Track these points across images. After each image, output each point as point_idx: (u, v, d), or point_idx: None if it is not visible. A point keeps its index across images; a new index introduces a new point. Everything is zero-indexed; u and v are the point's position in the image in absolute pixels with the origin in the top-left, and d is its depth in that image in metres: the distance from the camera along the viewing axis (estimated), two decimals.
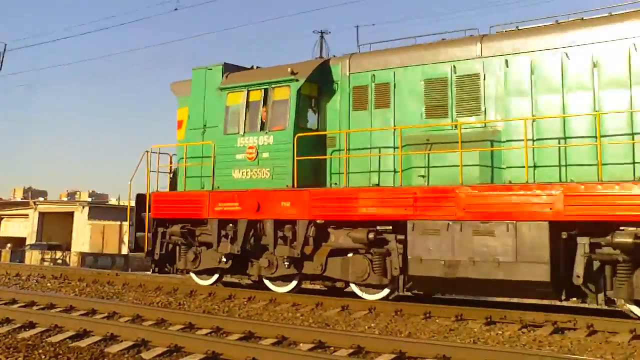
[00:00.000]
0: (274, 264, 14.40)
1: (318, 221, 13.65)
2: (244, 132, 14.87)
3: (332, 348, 9.34)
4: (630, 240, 10.44)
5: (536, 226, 11.23)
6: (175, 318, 11.32)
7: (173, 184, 16.94)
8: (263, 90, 14.74)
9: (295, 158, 13.95)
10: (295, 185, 13.97)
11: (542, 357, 8.31)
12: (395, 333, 10.74)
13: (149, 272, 19.04)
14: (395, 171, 13.50)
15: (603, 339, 10.17)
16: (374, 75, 13.93)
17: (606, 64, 11.78)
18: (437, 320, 11.90)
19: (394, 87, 13.68)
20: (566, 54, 12.10)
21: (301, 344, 9.44)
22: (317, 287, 16.07)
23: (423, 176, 13.07)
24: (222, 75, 15.93)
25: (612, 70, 11.71)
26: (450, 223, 11.95)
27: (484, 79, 12.75)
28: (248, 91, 14.94)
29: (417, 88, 13.44)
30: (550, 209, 11.08)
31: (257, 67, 16.33)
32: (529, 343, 10.01)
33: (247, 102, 14.95)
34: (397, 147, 13.31)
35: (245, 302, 14.01)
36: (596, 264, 11.15)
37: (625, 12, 11.88)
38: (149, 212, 16.26)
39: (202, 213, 15.16)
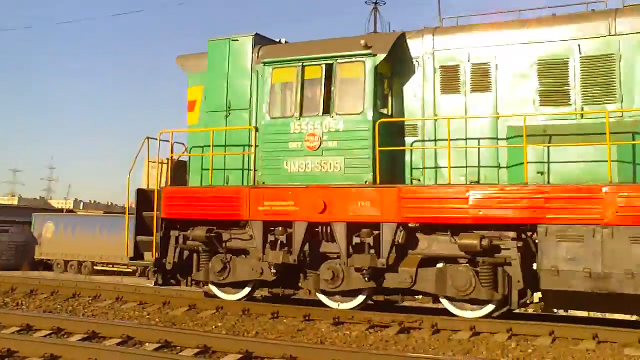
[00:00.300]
0: (339, 276, 12.04)
1: (410, 224, 11.46)
2: (300, 115, 12.35)
3: (178, 347, 9.37)
4: None
5: None
6: (10, 320, 10.76)
7: (178, 178, 14.06)
8: (324, 66, 12.26)
9: (377, 148, 11.66)
10: (378, 181, 11.70)
11: (387, 356, 8.65)
12: (243, 333, 10.89)
13: None
14: (499, 166, 11.55)
15: (446, 337, 10.54)
16: (468, 53, 11.86)
17: None
18: (284, 321, 11.81)
19: (496, 68, 11.71)
20: None
21: (147, 344, 9.45)
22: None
23: (542, 173, 11.15)
24: (253, 48, 13.34)
25: None
26: (598, 228, 10.16)
27: (620, 61, 11.03)
28: (303, 67, 12.37)
29: (527, 70, 11.52)
30: None
31: (286, 42, 13.88)
32: (376, 343, 10.27)
33: (302, 79, 12.42)
34: (501, 139, 11.42)
35: (90, 301, 13.68)
36: None
37: None
38: (157, 211, 13.34)
39: (240, 213, 12.48)
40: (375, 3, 14.66)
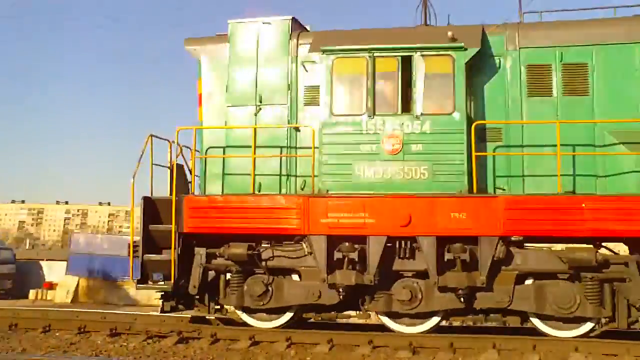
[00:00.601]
0: (417, 297, 10.51)
1: (513, 238, 10.21)
2: (373, 113, 10.68)
3: None
4: None
5: None
6: None
7: (180, 184, 11.73)
8: (400, 58, 10.71)
9: (474, 153, 10.32)
10: (475, 190, 10.34)
11: None
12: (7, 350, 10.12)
13: None
14: (597, 176, 10.63)
15: (225, 346, 10.42)
16: (561, 52, 10.86)
17: None
18: (57, 334, 11.26)
19: (594, 70, 10.81)
20: None
21: None
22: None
23: None
24: (291, 34, 11.53)
25: None
26: None
27: None
28: (374, 58, 10.75)
29: (634, 72, 10.73)
30: None
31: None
32: (154, 354, 10.01)
33: (373, 72, 10.76)
34: (599, 146, 10.56)
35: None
36: None
37: None
38: (175, 224, 10.95)
39: (296, 226, 10.53)
40: None
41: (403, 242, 10.41)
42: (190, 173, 11.96)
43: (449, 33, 10.55)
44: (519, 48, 10.97)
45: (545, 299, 10.21)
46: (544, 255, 10.28)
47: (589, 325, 10.30)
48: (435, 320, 10.69)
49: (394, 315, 10.77)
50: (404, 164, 10.48)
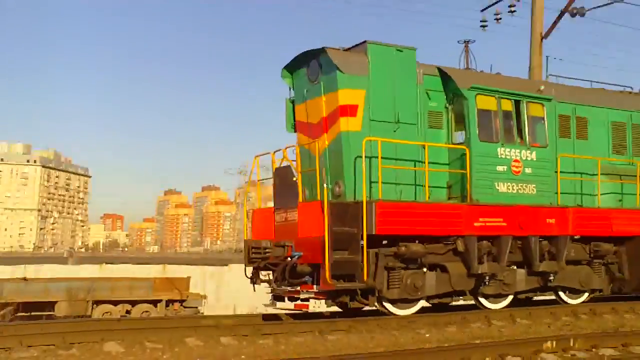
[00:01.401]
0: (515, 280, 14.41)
1: (575, 237, 14.86)
2: (503, 142, 13.98)
3: None
4: None
5: None
6: None
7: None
8: (514, 102, 14.24)
9: (559, 177, 14.59)
10: (559, 203, 14.59)
11: None
12: None
13: None
14: (593, 194, 15.77)
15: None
16: (575, 108, 15.67)
17: None
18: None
19: (589, 123, 15.96)
20: None
21: None
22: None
23: (620, 200, 16.11)
24: (416, 64, 13.84)
25: None
26: None
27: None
28: (499, 98, 14.04)
29: (606, 127, 16.19)
30: None
31: None
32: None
33: (500, 109, 14.05)
34: (596, 174, 15.77)
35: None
36: None
37: None
38: (360, 226, 12.41)
39: (459, 228, 13.31)
40: (467, 42, 15.84)
41: (518, 240, 14.10)
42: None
43: (541, 87, 14.60)
44: (557, 102, 15.21)
45: (577, 277, 15.17)
46: (579, 248, 15.19)
47: (586, 295, 15.64)
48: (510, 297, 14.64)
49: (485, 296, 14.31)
50: (521, 182, 14.15)
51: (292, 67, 14.37)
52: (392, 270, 12.92)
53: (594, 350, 10.31)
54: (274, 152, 14.29)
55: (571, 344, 10.50)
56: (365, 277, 12.19)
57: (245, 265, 13.79)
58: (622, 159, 16.30)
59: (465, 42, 16.03)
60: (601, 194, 15.66)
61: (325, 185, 12.45)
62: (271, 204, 14.46)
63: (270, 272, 13.27)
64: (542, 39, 21.68)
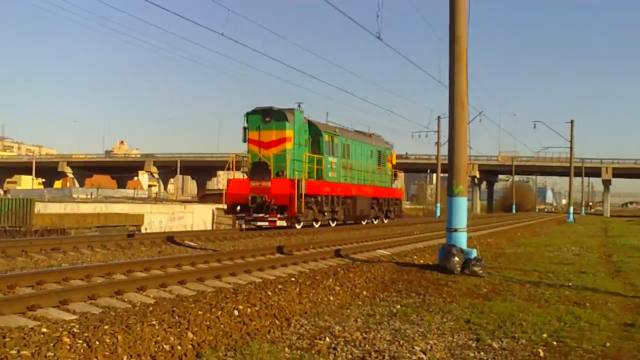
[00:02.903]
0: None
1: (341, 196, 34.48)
2: (329, 154, 32.92)
3: None
4: None
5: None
6: None
7: None
8: (331, 136, 33.29)
9: (341, 171, 34.16)
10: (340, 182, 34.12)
11: None
12: None
13: None
14: (348, 179, 35.49)
15: None
16: (347, 140, 35.21)
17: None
18: None
19: (351, 147, 35.62)
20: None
21: None
22: None
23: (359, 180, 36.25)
24: (304, 118, 32.11)
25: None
26: None
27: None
28: (330, 135, 32.92)
29: (356, 148, 36.06)
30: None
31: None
32: None
33: (331, 140, 33.00)
34: (354, 170, 35.59)
35: None
36: None
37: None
38: None
39: (320, 191, 31.79)
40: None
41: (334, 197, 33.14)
42: None
43: (336, 130, 34.06)
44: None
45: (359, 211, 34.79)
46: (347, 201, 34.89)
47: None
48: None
49: None
50: (334, 172, 33.47)
51: (250, 113, 30.68)
52: (307, 209, 30.58)
53: None
54: (234, 154, 31.50)
55: None
56: (299, 211, 29.77)
57: (227, 210, 30.31)
58: (361, 163, 36.28)
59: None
60: (348, 177, 35.24)
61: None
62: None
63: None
64: None
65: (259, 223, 29.23)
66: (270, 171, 29.23)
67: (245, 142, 30.54)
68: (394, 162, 42.21)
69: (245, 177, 31.08)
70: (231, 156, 31.96)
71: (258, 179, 29.41)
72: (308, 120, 31.79)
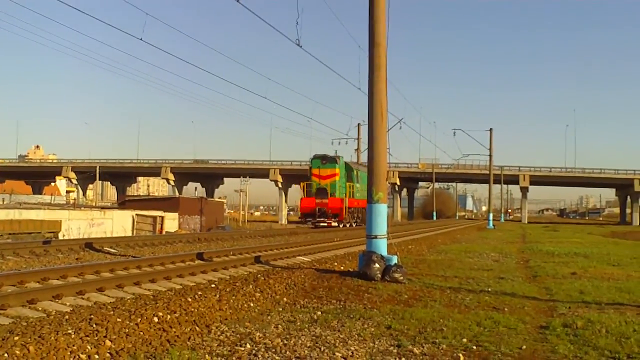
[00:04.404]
0: None
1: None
2: (353, 182, 35.98)
3: None
4: None
5: None
6: None
7: None
8: (355, 170, 37.60)
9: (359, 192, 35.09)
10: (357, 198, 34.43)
11: None
12: None
13: None
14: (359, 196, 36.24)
15: None
16: (355, 170, 37.21)
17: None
18: None
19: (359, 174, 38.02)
20: None
21: None
22: None
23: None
24: (344, 161, 38.01)
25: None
26: None
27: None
28: (355, 170, 38.76)
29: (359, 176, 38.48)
30: None
31: None
32: None
33: (354, 173, 41.30)
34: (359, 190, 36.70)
35: None
36: None
37: None
38: None
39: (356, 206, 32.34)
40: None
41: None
42: None
43: (353, 166, 36.87)
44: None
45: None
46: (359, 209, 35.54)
47: None
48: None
49: None
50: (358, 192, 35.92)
51: (314, 158, 45.50)
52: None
53: None
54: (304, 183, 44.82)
55: None
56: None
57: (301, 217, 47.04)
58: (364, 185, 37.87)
59: None
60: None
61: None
62: None
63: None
64: None
65: (322, 224, 45.73)
66: (328, 193, 44.22)
67: (310, 175, 45.31)
68: None
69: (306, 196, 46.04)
70: (302, 184, 46.89)
71: (320, 198, 44.80)
72: (345, 162, 46.47)
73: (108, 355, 7.14)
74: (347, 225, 46.97)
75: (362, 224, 48.34)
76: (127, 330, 7.87)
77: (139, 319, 8.36)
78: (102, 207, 67.50)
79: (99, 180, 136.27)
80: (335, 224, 45.68)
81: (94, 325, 7.76)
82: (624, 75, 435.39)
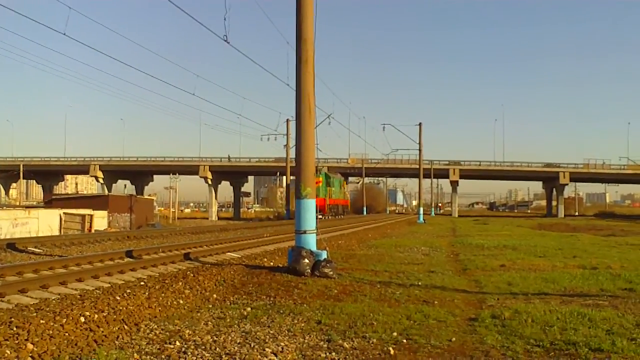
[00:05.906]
0: None
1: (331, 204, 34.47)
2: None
3: None
4: None
5: None
6: None
7: None
8: (334, 179, 36.81)
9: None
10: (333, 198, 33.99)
11: None
12: None
13: None
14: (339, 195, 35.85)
15: None
16: (332, 177, 36.07)
17: None
18: None
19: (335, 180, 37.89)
20: None
21: None
22: None
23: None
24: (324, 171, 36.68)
25: None
26: None
27: None
28: (332, 177, 37.85)
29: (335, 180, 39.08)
30: None
31: None
32: None
33: (333, 180, 38.39)
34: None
35: None
36: None
37: None
38: None
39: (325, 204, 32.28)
40: None
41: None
42: None
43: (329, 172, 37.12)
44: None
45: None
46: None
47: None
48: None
49: None
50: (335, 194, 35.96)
51: None
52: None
53: None
54: None
55: None
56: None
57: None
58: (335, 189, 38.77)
59: None
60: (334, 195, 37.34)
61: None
62: None
63: None
64: None
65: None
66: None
67: None
68: (344, 186, 70.17)
69: None
70: None
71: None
72: (325, 173, 51.80)
73: (30, 358, 6.94)
74: (329, 217, 56.64)
75: (337, 216, 61.50)
76: (51, 332, 7.68)
77: (65, 320, 8.18)
78: (27, 207, 65.70)
79: (23, 179, 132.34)
80: (321, 216, 53.66)
81: (14, 329, 7.55)
82: (539, 75, 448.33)
